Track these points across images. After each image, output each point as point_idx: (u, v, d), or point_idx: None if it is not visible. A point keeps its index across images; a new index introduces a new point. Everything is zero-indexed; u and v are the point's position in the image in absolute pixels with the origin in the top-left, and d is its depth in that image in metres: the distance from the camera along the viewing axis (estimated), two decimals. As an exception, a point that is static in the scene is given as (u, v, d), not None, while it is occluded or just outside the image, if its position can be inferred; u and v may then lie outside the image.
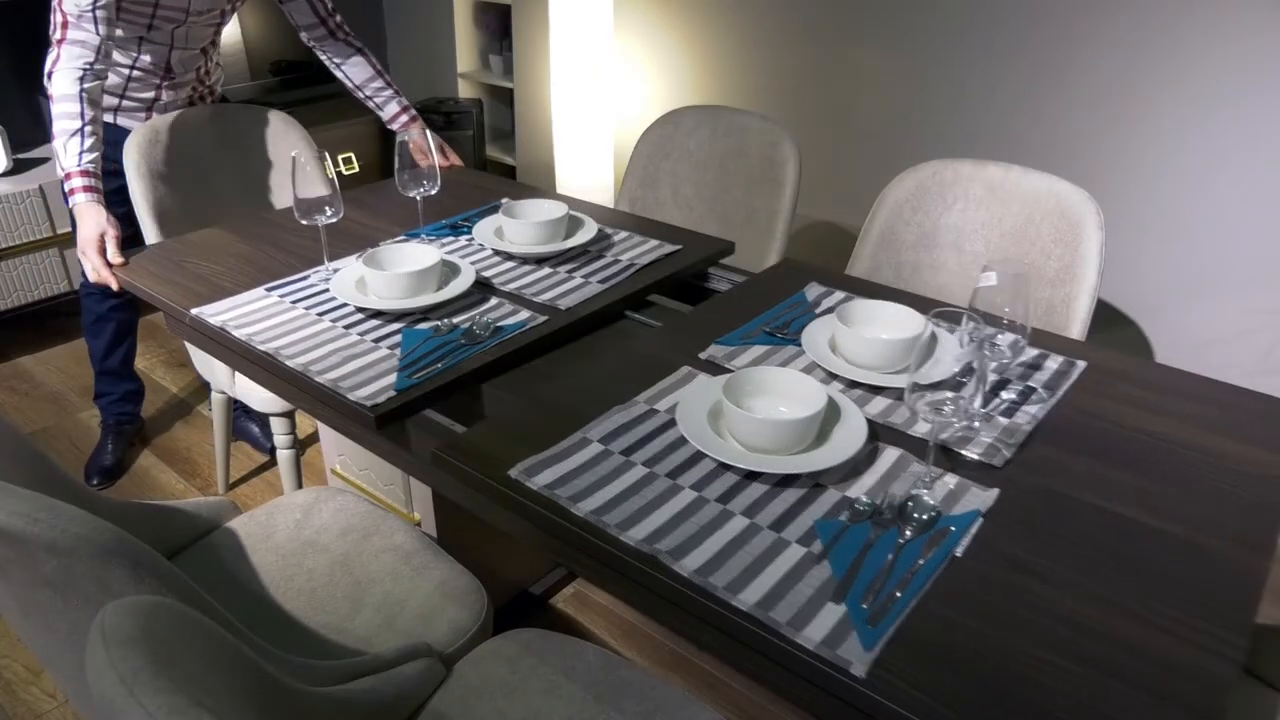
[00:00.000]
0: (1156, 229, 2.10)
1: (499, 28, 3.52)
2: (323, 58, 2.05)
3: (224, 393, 2.02)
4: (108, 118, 1.90)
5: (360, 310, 1.43)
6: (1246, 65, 1.87)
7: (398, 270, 1.41)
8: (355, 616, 1.21)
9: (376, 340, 1.34)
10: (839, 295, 1.47)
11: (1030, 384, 1.23)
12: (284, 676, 0.86)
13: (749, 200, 2.05)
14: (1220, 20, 1.87)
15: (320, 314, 1.42)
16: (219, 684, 0.71)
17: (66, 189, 1.65)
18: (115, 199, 1.80)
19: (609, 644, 1.80)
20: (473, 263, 1.60)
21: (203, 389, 2.63)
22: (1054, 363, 1.28)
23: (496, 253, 1.64)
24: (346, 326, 1.38)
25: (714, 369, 1.24)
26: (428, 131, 1.78)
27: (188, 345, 2.03)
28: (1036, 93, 2.18)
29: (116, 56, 1.85)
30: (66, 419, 2.53)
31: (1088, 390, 1.22)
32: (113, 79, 1.90)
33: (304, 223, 1.50)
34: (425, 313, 1.42)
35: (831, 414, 1.10)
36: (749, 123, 2.06)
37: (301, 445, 2.29)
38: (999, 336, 1.09)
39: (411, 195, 1.63)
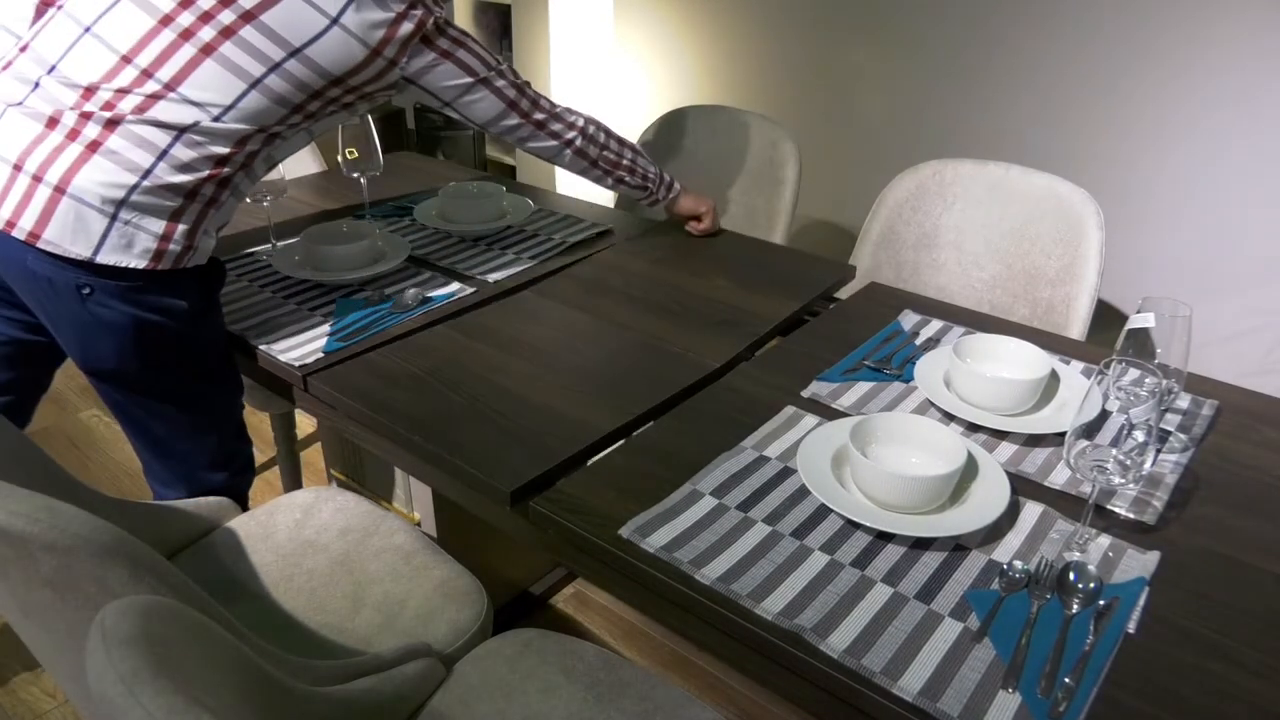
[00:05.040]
0: (1157, 229, 2.10)
1: (499, 28, 3.52)
2: None
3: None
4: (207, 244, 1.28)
5: (301, 282, 1.52)
6: (1247, 65, 1.87)
7: (333, 246, 1.52)
8: (355, 616, 1.21)
9: (313, 309, 1.44)
10: (937, 324, 1.40)
11: (1164, 427, 1.12)
12: (284, 676, 0.86)
13: (749, 200, 2.05)
14: (1221, 21, 1.87)
15: (262, 286, 1.51)
16: (219, 684, 0.71)
17: (673, 186, 1.70)
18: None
19: (609, 644, 1.80)
20: (412, 241, 1.69)
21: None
22: (1183, 402, 1.20)
23: (438, 231, 1.75)
24: (286, 297, 1.48)
25: (819, 408, 1.18)
26: (368, 117, 1.80)
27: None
28: (1037, 93, 2.18)
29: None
30: (66, 419, 2.53)
31: (1225, 434, 1.13)
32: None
33: (249, 202, 1.55)
34: (361, 285, 1.52)
35: (969, 467, 1.02)
36: (749, 122, 2.06)
37: (301, 445, 2.29)
38: (1146, 381, 0.94)
39: (354, 176, 1.69)
